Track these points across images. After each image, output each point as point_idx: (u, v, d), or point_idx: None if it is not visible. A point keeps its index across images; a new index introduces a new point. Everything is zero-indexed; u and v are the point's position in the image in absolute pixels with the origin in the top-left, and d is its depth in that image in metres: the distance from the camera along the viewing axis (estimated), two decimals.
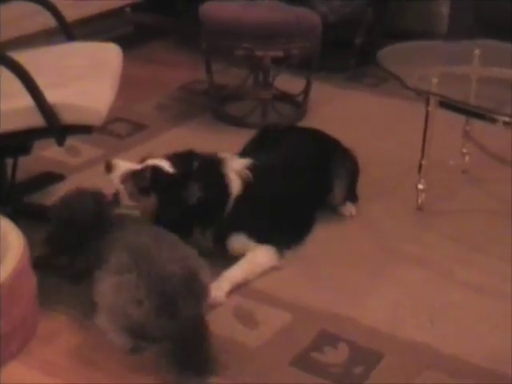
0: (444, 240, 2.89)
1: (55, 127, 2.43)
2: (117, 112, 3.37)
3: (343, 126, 3.31)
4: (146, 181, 2.60)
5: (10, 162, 2.89)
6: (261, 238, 2.67)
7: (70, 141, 2.61)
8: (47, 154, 3.30)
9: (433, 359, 2.30)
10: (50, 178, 3.19)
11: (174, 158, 2.67)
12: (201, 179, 2.61)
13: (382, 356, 2.30)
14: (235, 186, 2.68)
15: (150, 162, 2.64)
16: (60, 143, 2.49)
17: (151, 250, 2.26)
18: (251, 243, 2.67)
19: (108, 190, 2.64)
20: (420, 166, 3.02)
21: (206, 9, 3.80)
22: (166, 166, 2.63)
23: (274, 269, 2.68)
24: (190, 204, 2.59)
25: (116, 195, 2.62)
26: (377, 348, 2.33)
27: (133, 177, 2.61)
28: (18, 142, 2.73)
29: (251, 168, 2.74)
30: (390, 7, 4.73)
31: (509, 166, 3.07)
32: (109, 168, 2.62)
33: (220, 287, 2.51)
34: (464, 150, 3.30)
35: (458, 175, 3.30)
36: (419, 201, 3.05)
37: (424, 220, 3.02)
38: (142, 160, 2.68)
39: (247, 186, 2.69)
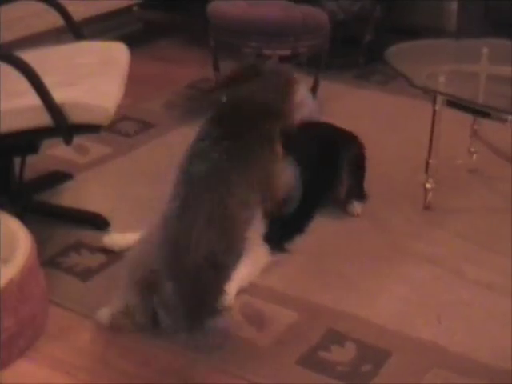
0: (452, 238, 2.89)
1: (63, 126, 2.44)
2: (125, 110, 3.38)
3: (351, 124, 3.29)
4: None
5: (17, 160, 2.89)
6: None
7: (79, 139, 2.61)
8: (56, 152, 3.31)
9: (441, 357, 2.30)
10: (59, 176, 3.20)
11: None
12: None
13: (390, 354, 2.29)
14: None
15: None
16: (67, 142, 2.50)
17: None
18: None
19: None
20: (427, 165, 3.02)
21: (214, 7, 3.81)
22: None
23: (279, 266, 2.68)
24: None
25: None
26: (384, 346, 2.33)
27: None
28: (26, 141, 2.73)
29: None
30: (399, 4, 4.73)
31: None
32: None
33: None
34: (472, 149, 3.30)
35: (465, 174, 3.30)
36: (427, 199, 3.04)
37: (432, 218, 3.02)
38: None
39: None
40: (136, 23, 4.94)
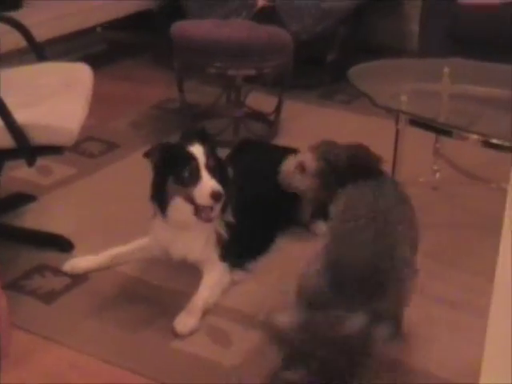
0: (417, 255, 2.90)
1: (25, 148, 2.42)
2: (89, 131, 3.36)
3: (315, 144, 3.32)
4: None
5: None
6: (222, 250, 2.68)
7: (42, 160, 2.60)
8: (18, 174, 3.28)
9: (407, 375, 2.30)
10: (22, 198, 3.17)
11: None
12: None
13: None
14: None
15: None
16: (30, 164, 2.48)
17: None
18: (210, 255, 2.67)
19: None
20: None
21: (177, 27, 3.81)
22: None
23: (244, 286, 2.68)
24: None
25: None
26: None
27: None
28: None
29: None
30: (362, 24, 4.78)
31: (479, 181, 3.10)
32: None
33: (192, 315, 2.50)
34: (435, 167, 3.33)
35: (428, 192, 3.32)
36: None
37: None
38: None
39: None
40: (100, 43, 4.94)
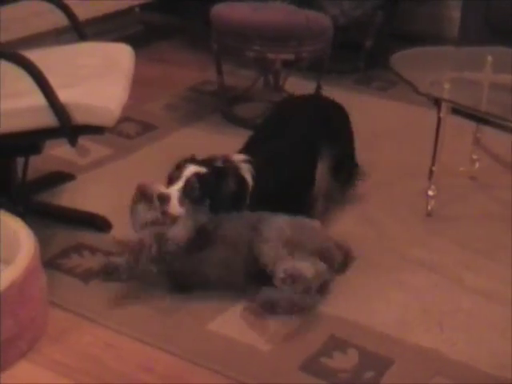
0: (453, 246, 2.88)
1: (67, 127, 2.43)
2: (126, 112, 3.33)
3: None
4: (196, 190, 2.57)
5: (20, 161, 2.88)
6: None
7: (80, 140, 2.60)
8: (56, 153, 3.29)
9: (442, 365, 2.29)
10: (61, 177, 3.19)
11: (199, 162, 2.66)
12: (230, 175, 2.64)
13: (392, 362, 2.29)
14: (249, 181, 2.68)
15: (188, 171, 2.60)
16: (72, 143, 2.49)
17: None
18: None
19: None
20: (431, 172, 3.01)
21: (217, 10, 3.80)
22: (200, 169, 2.62)
23: None
24: (229, 196, 2.60)
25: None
26: (386, 354, 2.32)
27: (184, 193, 2.56)
28: (30, 141, 2.72)
29: (251, 163, 2.74)
30: (400, 10, 4.73)
31: None
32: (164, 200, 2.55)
33: None
34: (474, 157, 3.29)
35: (467, 181, 3.29)
36: (429, 207, 3.04)
37: (433, 225, 3.01)
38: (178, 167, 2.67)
39: (255, 181, 2.70)
40: (137, 25, 4.94)
